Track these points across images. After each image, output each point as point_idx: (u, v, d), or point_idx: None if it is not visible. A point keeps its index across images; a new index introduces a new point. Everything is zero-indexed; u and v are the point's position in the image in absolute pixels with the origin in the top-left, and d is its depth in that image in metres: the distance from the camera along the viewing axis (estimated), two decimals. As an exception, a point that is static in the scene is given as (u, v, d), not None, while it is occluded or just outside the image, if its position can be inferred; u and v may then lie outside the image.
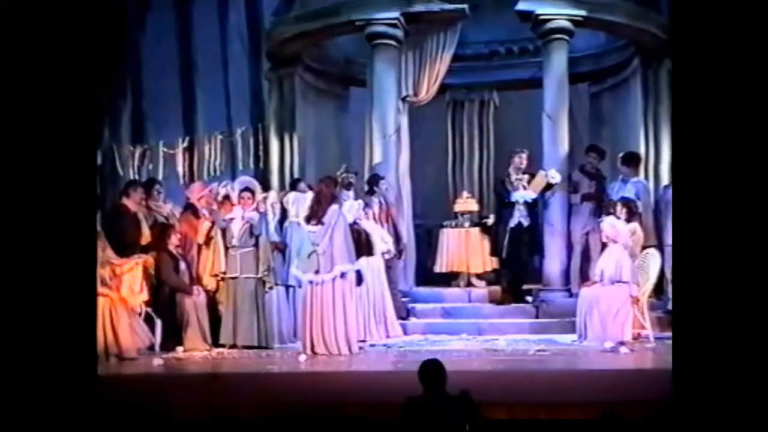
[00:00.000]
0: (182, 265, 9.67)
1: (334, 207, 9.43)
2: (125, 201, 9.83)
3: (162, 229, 9.76)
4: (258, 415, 6.34)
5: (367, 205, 10.45)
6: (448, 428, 5.06)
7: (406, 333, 10.46)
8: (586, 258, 11.05)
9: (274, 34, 12.17)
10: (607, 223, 9.81)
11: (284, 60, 12.32)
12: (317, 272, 9.08)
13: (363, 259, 9.61)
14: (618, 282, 9.49)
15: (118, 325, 8.89)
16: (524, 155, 11.23)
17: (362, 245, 9.73)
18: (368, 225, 10.23)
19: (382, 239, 10.32)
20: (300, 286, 9.57)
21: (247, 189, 9.94)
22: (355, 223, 9.82)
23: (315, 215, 9.94)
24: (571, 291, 10.98)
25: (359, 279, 9.32)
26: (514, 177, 11.18)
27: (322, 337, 8.99)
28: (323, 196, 10.09)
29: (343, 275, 9.05)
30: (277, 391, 7.35)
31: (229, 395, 7.09)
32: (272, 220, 10.28)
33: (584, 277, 10.71)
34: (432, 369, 5.23)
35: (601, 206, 10.86)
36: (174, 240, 9.66)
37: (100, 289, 8.68)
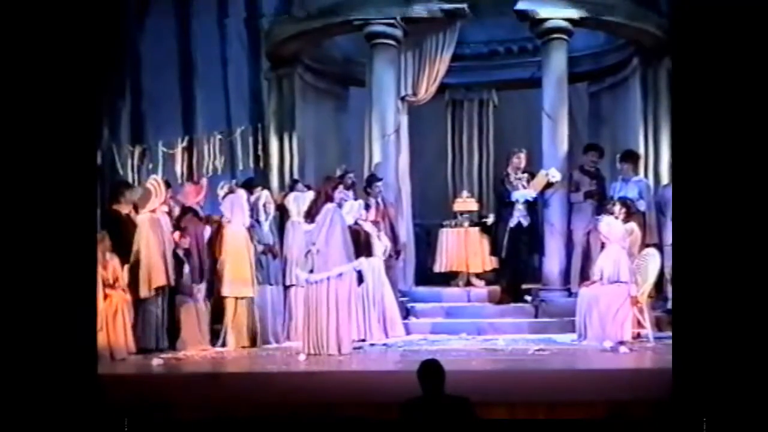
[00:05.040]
0: (186, 268, 9.66)
1: (329, 206, 9.42)
2: (117, 206, 9.78)
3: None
4: (258, 415, 6.35)
5: (367, 205, 10.45)
6: (446, 429, 5.05)
7: (407, 333, 10.47)
8: (587, 257, 11.05)
9: (273, 33, 12.17)
10: (604, 222, 9.82)
11: (283, 60, 12.31)
12: (312, 271, 9.08)
13: (362, 259, 9.61)
14: (617, 282, 9.50)
15: (127, 324, 8.99)
16: (522, 155, 11.24)
17: (361, 245, 9.73)
18: (368, 226, 10.24)
19: (380, 240, 10.33)
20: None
21: None
22: (356, 223, 9.82)
23: (309, 214, 9.96)
24: (570, 290, 10.98)
25: (360, 278, 9.31)
26: (513, 176, 11.18)
27: (316, 336, 8.99)
28: (319, 195, 10.12)
29: (339, 276, 9.04)
30: (276, 391, 7.34)
31: (229, 395, 7.09)
32: (265, 222, 10.27)
33: (584, 277, 10.72)
34: (431, 369, 5.22)
35: (603, 205, 10.87)
36: (183, 242, 9.65)
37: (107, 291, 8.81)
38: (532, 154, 11.44)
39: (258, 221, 10.19)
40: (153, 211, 9.58)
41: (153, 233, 9.44)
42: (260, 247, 10.05)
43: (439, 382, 5.17)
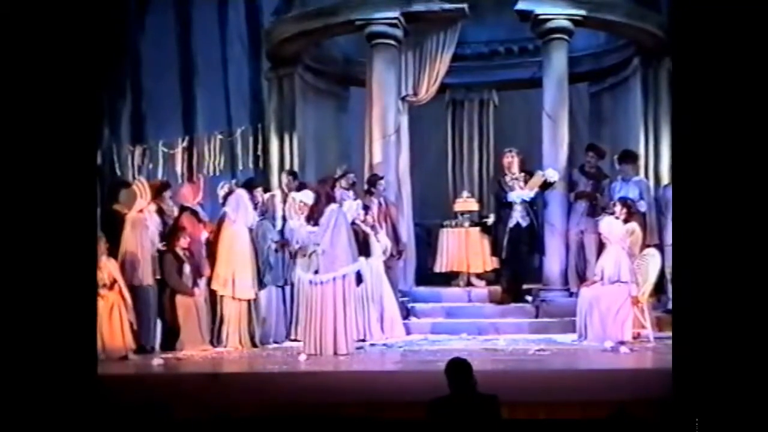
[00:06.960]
0: (186, 268, 9.65)
1: (333, 207, 9.41)
2: (117, 206, 9.77)
3: (172, 231, 9.75)
4: (258, 415, 6.35)
5: (366, 206, 10.44)
6: (477, 428, 5.02)
7: (408, 333, 10.46)
8: (582, 257, 11.04)
9: (273, 33, 12.16)
10: (605, 222, 9.83)
11: (284, 60, 12.31)
12: (316, 272, 9.08)
13: (362, 259, 9.61)
14: (617, 282, 9.50)
15: (124, 323, 9.00)
16: (512, 154, 11.20)
17: (360, 245, 9.73)
18: (366, 226, 10.24)
19: (379, 241, 10.33)
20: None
21: None
22: (353, 223, 9.82)
23: (312, 215, 9.95)
24: (570, 290, 10.98)
25: (358, 279, 9.31)
26: (509, 177, 11.16)
27: (317, 336, 8.99)
28: (320, 197, 10.11)
29: (343, 276, 9.04)
30: (277, 391, 7.34)
31: (229, 395, 7.09)
32: (278, 220, 10.27)
33: (581, 277, 10.71)
34: (460, 367, 5.19)
35: (595, 205, 10.86)
36: (183, 242, 9.65)
37: (101, 291, 8.80)
38: (532, 154, 11.44)
39: (273, 219, 10.19)
40: (140, 211, 9.58)
41: (136, 233, 9.44)
42: (273, 245, 10.04)
43: (468, 380, 5.13)
